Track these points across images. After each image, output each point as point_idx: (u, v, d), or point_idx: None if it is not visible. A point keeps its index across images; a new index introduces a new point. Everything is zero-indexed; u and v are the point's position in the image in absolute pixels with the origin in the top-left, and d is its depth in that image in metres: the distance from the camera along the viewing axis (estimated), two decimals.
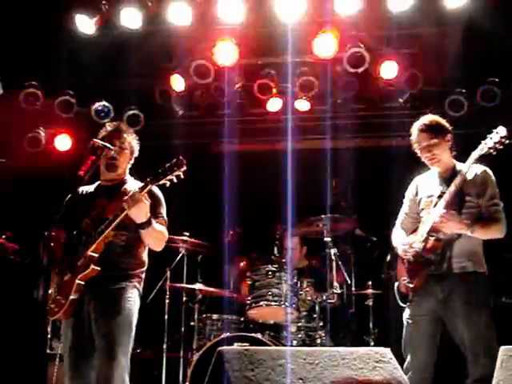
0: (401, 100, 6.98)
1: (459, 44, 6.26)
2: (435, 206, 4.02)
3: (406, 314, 4.12)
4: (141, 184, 3.76)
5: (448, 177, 4.09)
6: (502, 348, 3.04)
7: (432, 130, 4.12)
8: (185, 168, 3.65)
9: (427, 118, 4.22)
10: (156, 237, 3.87)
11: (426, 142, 4.10)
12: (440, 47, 6.40)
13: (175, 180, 3.66)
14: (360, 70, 6.43)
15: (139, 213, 3.67)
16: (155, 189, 3.91)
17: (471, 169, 4.02)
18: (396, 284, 4.27)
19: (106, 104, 7.06)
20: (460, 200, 3.98)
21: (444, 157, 4.13)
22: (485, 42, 5.96)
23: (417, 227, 4.17)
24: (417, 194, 4.25)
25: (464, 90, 6.66)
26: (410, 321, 4.08)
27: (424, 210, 4.13)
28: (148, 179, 3.69)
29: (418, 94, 6.81)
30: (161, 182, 3.68)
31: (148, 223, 3.72)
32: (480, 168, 4.08)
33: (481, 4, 5.58)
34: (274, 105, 7.20)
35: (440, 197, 4.02)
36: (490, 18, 5.64)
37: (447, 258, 3.96)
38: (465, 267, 3.94)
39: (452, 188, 3.94)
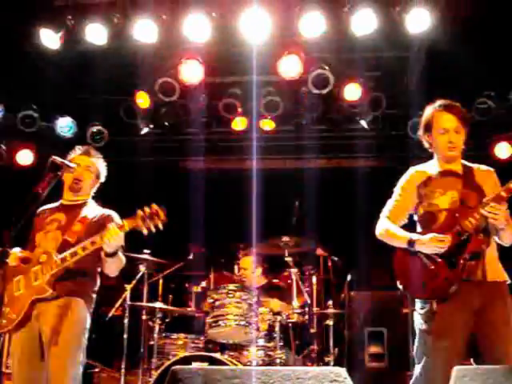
0: (364, 122, 7.08)
1: (421, 68, 6.38)
2: (461, 200, 3.55)
3: (428, 324, 3.54)
4: (102, 211, 3.87)
5: (457, 171, 3.68)
6: (456, 368, 3.05)
7: (460, 113, 3.67)
8: (165, 219, 3.63)
9: (454, 103, 3.73)
10: (119, 263, 3.88)
11: (454, 126, 3.62)
12: (402, 71, 6.51)
13: (153, 230, 3.62)
14: (324, 91, 6.51)
15: (113, 247, 3.69)
16: (116, 216, 3.96)
17: (482, 168, 3.72)
18: (401, 286, 3.68)
19: (70, 119, 7.01)
20: (480, 197, 3.54)
21: (461, 149, 3.69)
22: (446, 66, 6.09)
23: (429, 222, 3.64)
24: (420, 186, 3.71)
25: None
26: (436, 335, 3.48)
27: (434, 200, 3.61)
28: (126, 222, 3.66)
29: (380, 117, 6.92)
30: (138, 228, 3.65)
31: (116, 252, 3.75)
32: (489, 168, 3.77)
33: (442, 30, 5.70)
34: (238, 124, 7.23)
35: (463, 191, 3.57)
36: (451, 43, 5.77)
37: (481, 264, 3.50)
38: (498, 276, 3.54)
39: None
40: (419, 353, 3.57)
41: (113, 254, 3.73)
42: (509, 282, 3.56)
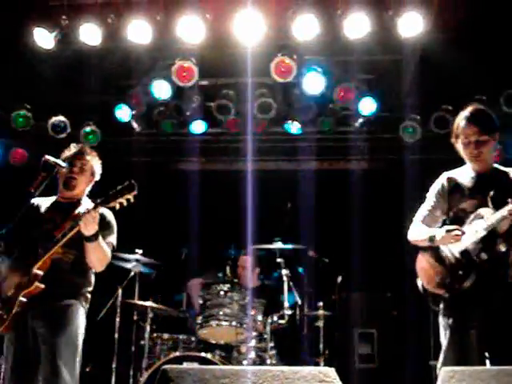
0: (357, 124, 7.11)
1: (414, 72, 6.42)
2: (491, 205, 3.55)
3: (448, 321, 3.60)
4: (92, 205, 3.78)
5: (489, 175, 3.70)
6: (444, 369, 3.07)
7: (484, 124, 3.65)
8: (135, 192, 3.67)
9: (479, 109, 3.74)
10: (101, 253, 3.85)
11: (475, 138, 3.63)
12: (395, 74, 6.55)
13: (125, 203, 3.67)
14: (317, 93, 6.53)
15: (88, 227, 3.68)
16: (108, 213, 3.97)
17: None
18: (420, 283, 3.77)
19: (63, 119, 7.01)
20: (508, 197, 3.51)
21: (488, 157, 3.71)
22: (438, 71, 6.12)
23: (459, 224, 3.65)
24: (451, 191, 3.76)
25: (418, 117, 6.82)
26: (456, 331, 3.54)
27: (463, 205, 3.66)
28: (98, 201, 3.70)
29: (373, 119, 6.96)
30: (111, 205, 3.70)
31: (95, 236, 3.73)
32: None
33: (435, 33, 5.74)
34: (232, 125, 7.25)
35: (491, 197, 3.56)
36: (443, 48, 5.80)
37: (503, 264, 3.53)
38: None
39: None
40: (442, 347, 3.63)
41: (91, 239, 3.72)
42: None
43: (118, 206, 3.68)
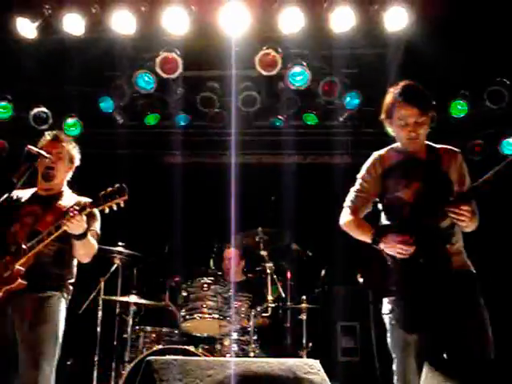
0: (341, 118, 7.12)
1: (398, 66, 6.43)
2: (425, 193, 3.42)
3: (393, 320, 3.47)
4: (77, 199, 3.80)
5: (424, 158, 3.53)
6: (427, 363, 3.10)
7: (423, 104, 3.43)
8: (127, 197, 3.64)
9: (414, 87, 3.52)
10: (88, 248, 3.85)
11: (414, 119, 3.43)
12: (380, 68, 6.56)
13: (115, 208, 3.64)
14: (302, 87, 6.53)
15: (76, 229, 3.66)
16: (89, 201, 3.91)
17: (449, 151, 3.55)
18: (361, 280, 3.59)
19: (45, 110, 6.94)
20: (445, 188, 3.44)
21: (424, 137, 3.52)
22: (423, 64, 6.14)
23: (393, 215, 3.54)
24: (385, 175, 3.59)
25: None
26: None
27: (397, 194, 3.49)
28: (88, 203, 3.67)
29: (357, 114, 6.97)
30: (100, 208, 3.67)
31: (84, 235, 3.72)
32: (456, 150, 3.60)
33: (419, 28, 5.76)
34: (217, 118, 7.23)
35: (427, 182, 3.43)
36: (428, 41, 5.82)
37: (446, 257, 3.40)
38: (463, 266, 3.47)
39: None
40: (392, 348, 3.54)
41: (80, 237, 3.70)
42: (474, 271, 3.48)
43: (107, 210, 3.65)
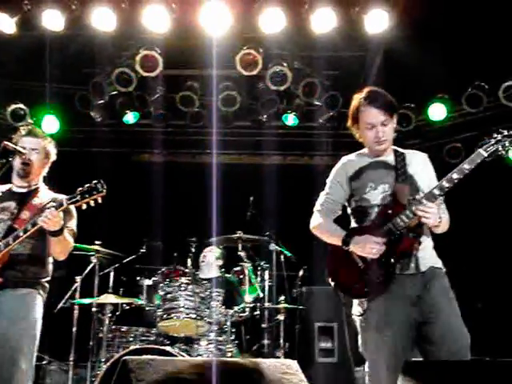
0: (321, 120, 7.14)
1: (378, 68, 6.47)
2: (392, 195, 3.43)
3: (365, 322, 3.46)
4: (54, 196, 3.73)
5: (392, 161, 3.55)
6: (405, 361, 3.10)
7: (387, 107, 3.48)
8: (104, 193, 3.59)
9: (376, 91, 3.56)
10: (64, 245, 3.81)
11: (380, 120, 3.46)
12: (360, 70, 6.59)
13: (92, 204, 3.60)
14: (282, 88, 6.54)
15: (52, 226, 3.61)
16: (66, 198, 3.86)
17: (415, 154, 3.60)
18: (332, 283, 3.60)
19: (22, 107, 6.86)
20: (412, 190, 3.44)
21: (390, 139, 3.54)
22: (403, 67, 6.18)
23: (361, 217, 3.54)
24: (352, 178, 3.59)
25: None
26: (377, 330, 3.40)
27: (367, 195, 3.50)
28: (65, 199, 3.61)
29: (337, 116, 6.99)
30: (77, 205, 3.62)
31: (61, 231, 3.68)
32: (422, 153, 3.66)
33: (399, 30, 5.80)
34: (196, 117, 7.20)
35: (395, 184, 3.44)
36: (408, 44, 5.87)
37: (414, 257, 3.41)
38: (433, 263, 3.46)
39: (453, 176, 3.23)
40: (364, 350, 3.52)
41: (56, 234, 3.66)
42: (444, 269, 3.49)
43: (84, 206, 3.62)
